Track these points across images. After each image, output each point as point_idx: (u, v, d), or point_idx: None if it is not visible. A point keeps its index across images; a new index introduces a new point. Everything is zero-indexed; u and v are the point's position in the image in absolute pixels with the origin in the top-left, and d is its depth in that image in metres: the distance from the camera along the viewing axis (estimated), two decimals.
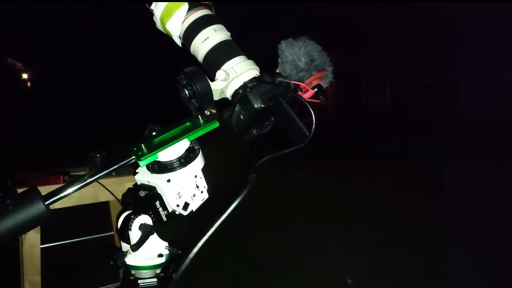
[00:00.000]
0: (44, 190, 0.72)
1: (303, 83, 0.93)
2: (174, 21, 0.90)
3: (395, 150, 4.65)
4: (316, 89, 0.94)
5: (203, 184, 0.87)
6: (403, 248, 3.26)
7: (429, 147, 4.90)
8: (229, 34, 0.92)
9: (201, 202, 0.87)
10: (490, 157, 4.95)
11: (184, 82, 0.81)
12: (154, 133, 0.85)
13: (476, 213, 3.77)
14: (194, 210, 0.86)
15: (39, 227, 2.19)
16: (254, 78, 0.86)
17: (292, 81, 0.88)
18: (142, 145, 0.79)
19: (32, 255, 2.12)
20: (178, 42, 0.94)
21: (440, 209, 3.87)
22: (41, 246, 2.18)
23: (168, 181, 0.80)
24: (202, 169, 0.87)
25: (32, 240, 2.11)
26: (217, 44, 0.88)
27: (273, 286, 2.87)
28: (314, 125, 0.79)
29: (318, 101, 0.93)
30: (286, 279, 2.93)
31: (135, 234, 0.77)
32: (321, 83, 0.95)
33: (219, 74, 0.84)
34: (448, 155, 4.68)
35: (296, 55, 0.91)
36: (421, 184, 4.32)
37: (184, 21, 0.90)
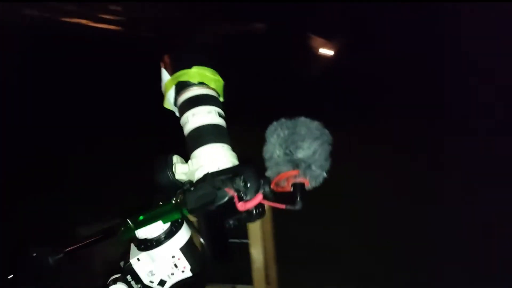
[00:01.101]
0: None
1: (274, 180, 0.74)
2: (167, 101, 0.96)
3: None
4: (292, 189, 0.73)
5: (183, 264, 0.86)
6: None
7: None
8: (211, 116, 0.89)
9: (181, 278, 0.87)
10: None
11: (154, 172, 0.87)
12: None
13: None
14: (173, 285, 0.88)
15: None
16: (207, 174, 0.80)
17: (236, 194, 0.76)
18: (129, 220, 0.88)
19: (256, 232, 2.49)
20: None
21: None
22: None
23: (138, 260, 0.86)
24: (183, 248, 0.86)
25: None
26: (191, 130, 0.88)
27: None
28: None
29: (282, 206, 0.72)
30: None
31: None
32: (300, 182, 0.72)
33: (179, 168, 0.85)
34: None
35: (273, 145, 0.77)
36: None
37: (176, 102, 0.93)
